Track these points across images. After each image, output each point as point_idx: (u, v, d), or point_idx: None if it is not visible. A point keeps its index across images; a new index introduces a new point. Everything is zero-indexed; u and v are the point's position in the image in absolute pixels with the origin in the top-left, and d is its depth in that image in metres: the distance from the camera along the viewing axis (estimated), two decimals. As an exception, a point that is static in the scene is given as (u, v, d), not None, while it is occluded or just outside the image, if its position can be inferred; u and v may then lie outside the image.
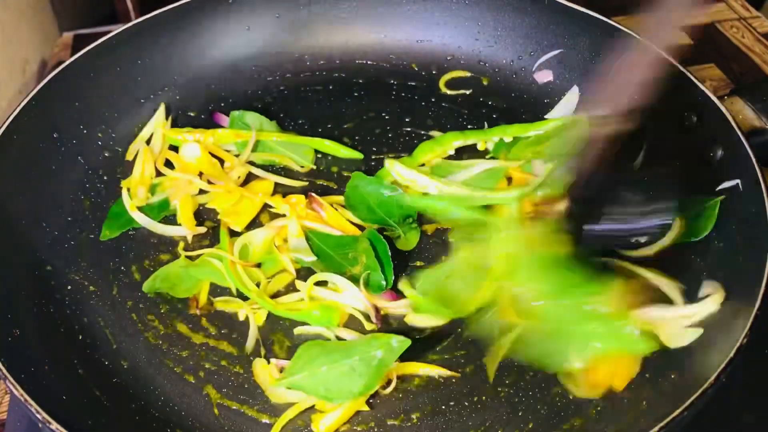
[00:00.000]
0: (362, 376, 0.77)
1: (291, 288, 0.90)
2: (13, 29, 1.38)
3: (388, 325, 0.86)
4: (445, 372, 0.82)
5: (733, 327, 0.75)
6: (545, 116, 1.07)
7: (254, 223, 0.96)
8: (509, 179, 0.97)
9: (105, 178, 1.01)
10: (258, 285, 0.89)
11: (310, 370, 0.77)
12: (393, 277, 0.88)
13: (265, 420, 0.79)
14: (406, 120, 1.08)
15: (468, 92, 1.12)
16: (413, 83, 1.13)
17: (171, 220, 0.97)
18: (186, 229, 0.94)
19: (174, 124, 1.07)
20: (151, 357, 0.84)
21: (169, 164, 1.01)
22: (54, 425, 0.69)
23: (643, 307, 0.81)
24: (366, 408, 0.79)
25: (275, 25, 1.15)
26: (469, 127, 1.06)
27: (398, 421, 0.79)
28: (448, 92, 1.12)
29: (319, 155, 1.04)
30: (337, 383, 0.77)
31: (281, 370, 0.81)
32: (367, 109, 1.10)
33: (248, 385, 0.82)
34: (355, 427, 0.79)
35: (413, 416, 0.79)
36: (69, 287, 0.90)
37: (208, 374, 0.83)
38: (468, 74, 1.14)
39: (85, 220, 0.96)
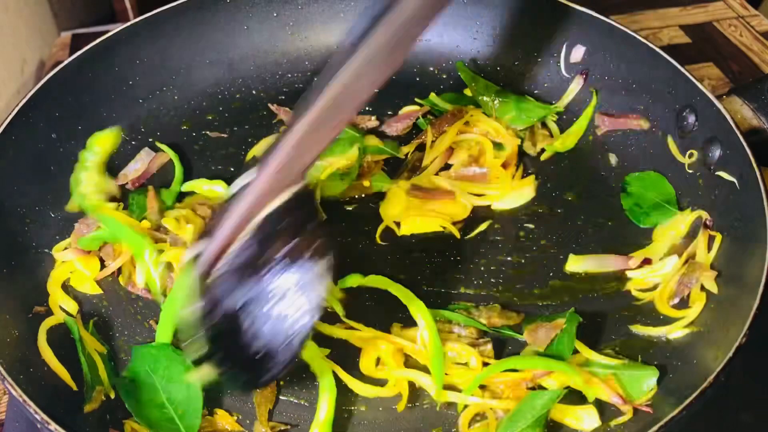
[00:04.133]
0: None
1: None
2: (11, 29, 1.37)
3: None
4: None
5: (733, 327, 0.75)
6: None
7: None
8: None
9: (103, 178, 1.01)
10: None
11: None
12: None
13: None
14: (405, 120, 1.08)
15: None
16: (412, 83, 1.13)
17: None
18: None
19: (173, 124, 1.07)
20: (150, 357, 0.84)
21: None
22: (53, 426, 0.69)
23: None
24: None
25: (274, 25, 1.15)
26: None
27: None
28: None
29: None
30: None
31: None
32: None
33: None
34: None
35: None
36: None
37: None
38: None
39: (83, 220, 0.96)
